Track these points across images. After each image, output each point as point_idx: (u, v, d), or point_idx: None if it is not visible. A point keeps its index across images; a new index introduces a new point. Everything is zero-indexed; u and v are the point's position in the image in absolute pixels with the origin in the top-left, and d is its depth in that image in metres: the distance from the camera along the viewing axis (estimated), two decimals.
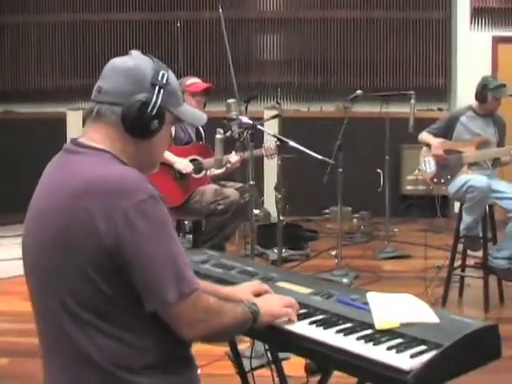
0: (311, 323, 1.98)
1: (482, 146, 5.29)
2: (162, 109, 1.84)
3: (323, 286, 2.31)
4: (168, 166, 5.19)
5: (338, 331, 1.90)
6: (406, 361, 1.69)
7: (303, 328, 1.95)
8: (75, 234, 1.71)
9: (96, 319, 1.72)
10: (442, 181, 5.32)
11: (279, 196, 5.36)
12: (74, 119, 9.29)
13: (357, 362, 1.77)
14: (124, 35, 9.65)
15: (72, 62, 9.67)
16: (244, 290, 2.10)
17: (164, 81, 1.85)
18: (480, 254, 5.28)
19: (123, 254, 1.68)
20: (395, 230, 7.99)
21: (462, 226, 5.16)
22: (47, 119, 9.28)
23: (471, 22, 9.23)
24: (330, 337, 1.88)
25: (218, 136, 4.49)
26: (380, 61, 9.48)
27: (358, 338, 1.85)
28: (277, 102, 7.68)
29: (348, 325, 1.95)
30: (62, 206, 1.74)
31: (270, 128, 6.42)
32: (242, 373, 2.47)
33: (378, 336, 1.85)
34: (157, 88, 1.83)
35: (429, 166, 5.46)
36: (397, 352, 1.74)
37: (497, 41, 9.18)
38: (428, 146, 5.46)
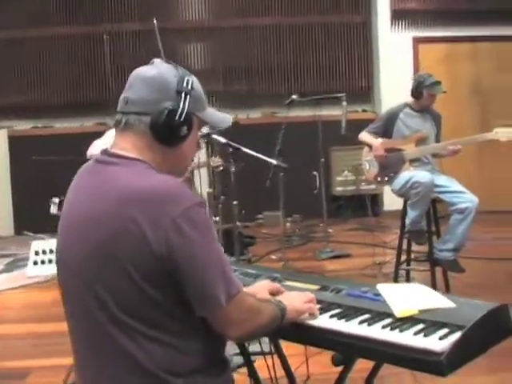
0: (332, 317, 2.02)
1: (421, 142, 5.44)
2: (189, 114, 1.85)
3: (327, 281, 2.35)
4: None
5: (361, 322, 1.95)
6: (436, 343, 1.75)
7: (326, 322, 1.99)
8: (120, 243, 1.70)
9: (144, 326, 1.72)
10: (386, 179, 5.46)
11: (234, 202, 5.41)
12: None
13: (387, 349, 1.82)
14: (53, 50, 9.43)
15: None
16: (260, 290, 2.12)
17: (189, 87, 1.87)
18: (421, 248, 5.46)
19: (174, 260, 1.69)
20: (329, 230, 8.10)
21: (407, 222, 5.29)
22: None
23: (391, 24, 9.46)
24: (355, 328, 1.92)
25: None
26: (303, 66, 9.61)
27: (383, 327, 1.90)
28: None
29: (367, 315, 1.99)
30: (104, 217, 1.73)
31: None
32: (251, 371, 2.51)
33: (400, 323, 1.91)
34: (183, 94, 1.84)
35: (371, 165, 5.59)
36: (425, 336, 1.80)
37: (417, 41, 9.41)
38: (369, 146, 5.60)
